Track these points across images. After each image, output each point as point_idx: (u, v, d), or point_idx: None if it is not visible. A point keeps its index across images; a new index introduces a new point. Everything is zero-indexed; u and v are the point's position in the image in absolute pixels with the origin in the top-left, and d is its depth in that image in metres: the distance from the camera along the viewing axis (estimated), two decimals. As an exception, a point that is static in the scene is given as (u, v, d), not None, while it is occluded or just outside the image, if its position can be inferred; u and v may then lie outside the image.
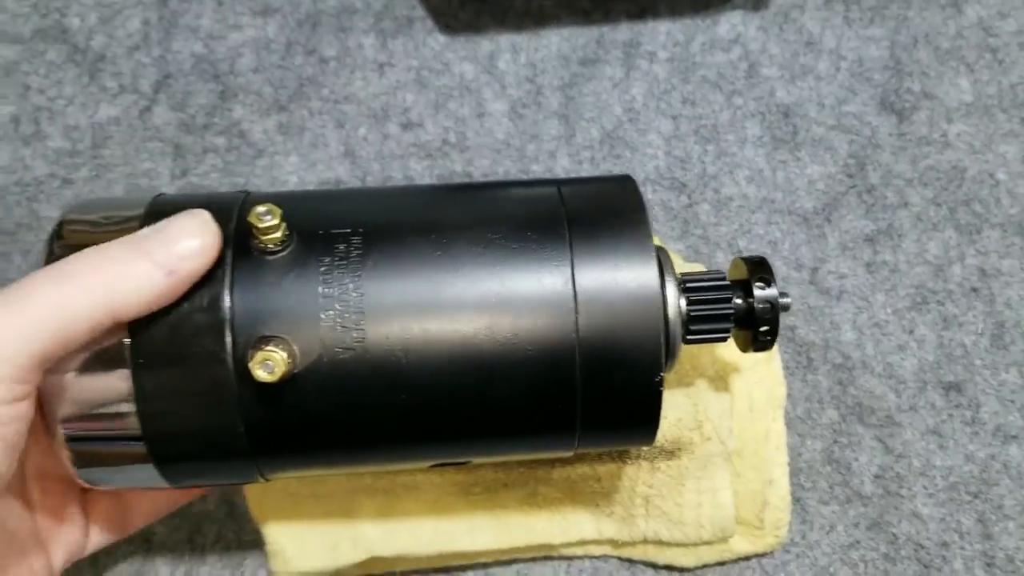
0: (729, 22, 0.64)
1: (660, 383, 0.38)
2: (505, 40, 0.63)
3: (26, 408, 0.36)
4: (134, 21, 0.63)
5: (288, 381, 0.36)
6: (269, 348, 0.36)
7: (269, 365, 0.36)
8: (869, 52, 0.64)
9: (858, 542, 0.54)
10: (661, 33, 0.64)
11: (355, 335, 0.37)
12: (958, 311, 0.58)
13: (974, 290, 0.58)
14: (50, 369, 0.37)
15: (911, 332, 0.58)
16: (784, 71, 0.63)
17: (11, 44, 0.62)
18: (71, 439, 0.39)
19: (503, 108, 0.62)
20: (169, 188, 0.59)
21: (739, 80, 0.63)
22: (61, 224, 0.40)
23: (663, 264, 0.41)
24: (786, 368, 0.56)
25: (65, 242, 0.40)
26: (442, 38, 0.63)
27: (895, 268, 0.59)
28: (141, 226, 0.39)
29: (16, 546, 0.41)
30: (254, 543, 0.54)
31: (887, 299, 0.58)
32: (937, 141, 0.62)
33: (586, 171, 0.61)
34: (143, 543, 0.54)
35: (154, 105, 0.61)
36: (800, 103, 0.62)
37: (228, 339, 0.37)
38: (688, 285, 0.43)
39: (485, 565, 0.53)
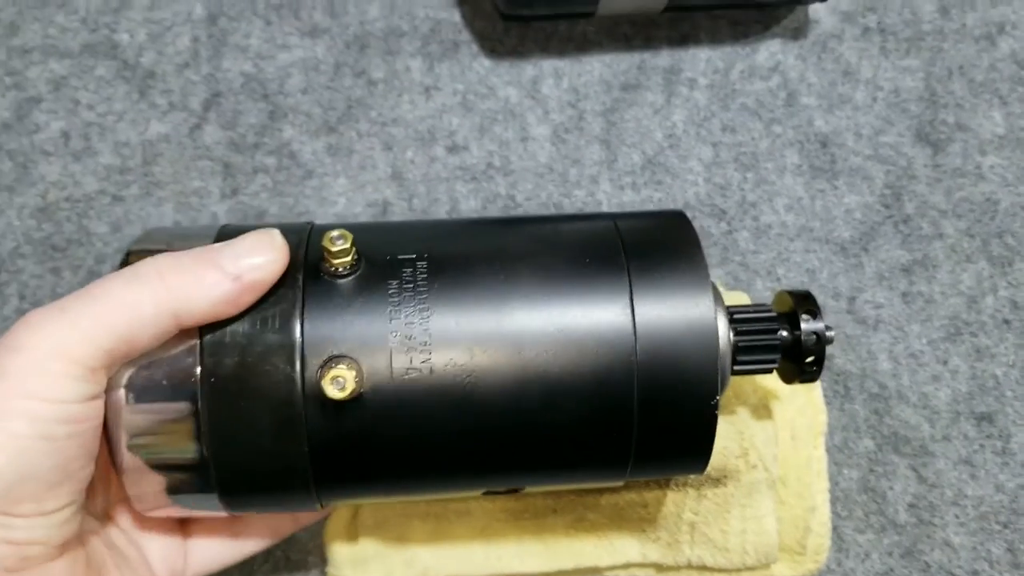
0: (768, 50, 0.65)
1: (715, 411, 0.40)
2: (548, 65, 0.64)
3: (99, 408, 0.37)
4: (183, 39, 0.64)
5: (354, 400, 0.38)
6: (340, 367, 0.37)
7: (340, 382, 0.37)
8: (905, 83, 0.65)
9: (892, 570, 0.56)
10: (701, 60, 0.65)
11: (421, 357, 0.38)
12: (990, 342, 0.59)
13: (1006, 322, 0.60)
14: (116, 387, 0.38)
15: (945, 363, 0.59)
16: (822, 100, 0.64)
17: (61, 59, 0.63)
18: (135, 465, 0.40)
19: (546, 132, 0.63)
20: (219, 207, 0.60)
21: (778, 108, 0.64)
22: (129, 254, 0.42)
23: (714, 298, 0.43)
24: (824, 397, 0.57)
25: None
26: (487, 62, 0.64)
27: (930, 299, 0.60)
28: None
29: (120, 557, 0.42)
30: (301, 564, 0.55)
31: (922, 329, 0.60)
32: (971, 173, 0.63)
33: (628, 196, 0.62)
34: (194, 557, 0.55)
35: (204, 123, 0.62)
36: (838, 132, 0.64)
37: (298, 359, 0.38)
38: (736, 317, 0.44)
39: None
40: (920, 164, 0.63)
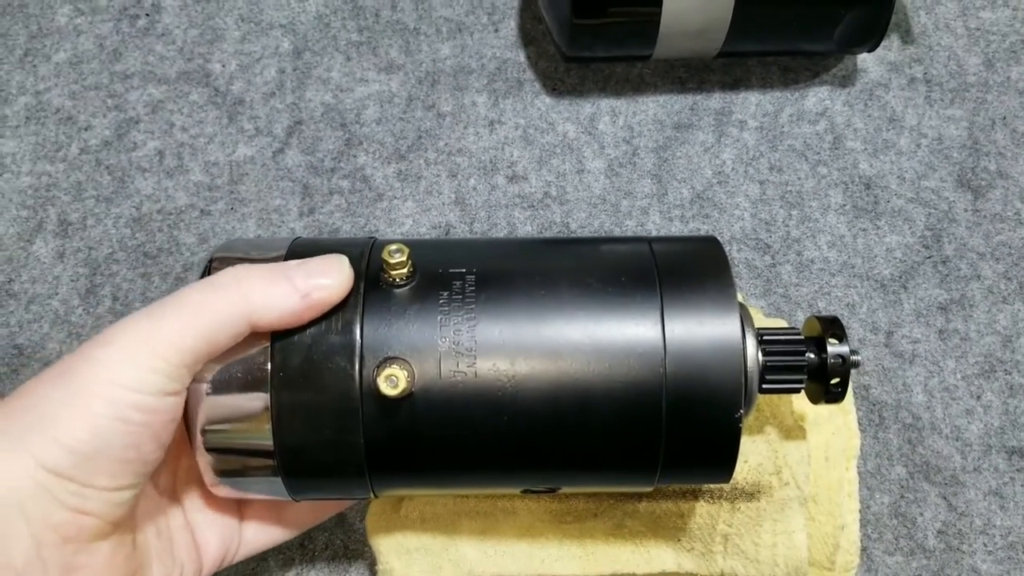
0: (817, 96, 0.69)
1: (739, 422, 0.43)
2: (605, 104, 0.69)
3: (176, 404, 0.41)
4: (271, 70, 0.69)
5: (406, 398, 0.42)
6: (394, 366, 0.41)
7: (393, 380, 0.41)
8: (949, 131, 0.68)
9: (920, 593, 0.58)
10: (752, 104, 0.68)
11: (467, 361, 0.43)
12: (1023, 381, 0.62)
13: (1041, 362, 0.62)
14: (197, 380, 0.42)
15: (978, 398, 0.61)
16: (867, 145, 0.67)
17: (158, 84, 0.69)
18: (210, 448, 0.44)
19: (601, 166, 0.67)
20: (297, 224, 0.65)
21: (824, 151, 0.67)
22: (211, 261, 0.47)
23: (743, 318, 0.46)
24: (859, 424, 0.60)
25: None
26: (548, 100, 0.69)
27: (966, 336, 0.63)
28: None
29: (166, 543, 0.46)
30: (359, 552, 0.59)
31: (957, 365, 0.62)
32: (1010, 218, 0.65)
33: (676, 228, 0.66)
34: (259, 545, 0.59)
35: (286, 148, 0.67)
36: (882, 175, 0.66)
37: (357, 359, 0.42)
38: (765, 338, 0.47)
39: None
40: (960, 208, 0.66)
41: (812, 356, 0.48)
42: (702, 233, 0.65)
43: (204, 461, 0.45)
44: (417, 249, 0.45)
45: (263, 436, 0.43)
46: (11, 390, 0.60)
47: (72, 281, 0.64)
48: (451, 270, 0.45)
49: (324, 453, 0.44)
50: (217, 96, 0.68)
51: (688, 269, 0.45)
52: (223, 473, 0.45)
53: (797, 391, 0.47)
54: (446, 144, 0.67)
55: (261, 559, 0.59)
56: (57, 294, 0.64)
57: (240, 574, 0.59)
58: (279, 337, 0.43)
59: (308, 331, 0.43)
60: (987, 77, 0.69)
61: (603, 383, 0.43)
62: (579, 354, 0.43)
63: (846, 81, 0.69)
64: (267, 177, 0.66)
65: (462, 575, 0.53)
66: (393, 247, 0.43)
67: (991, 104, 0.68)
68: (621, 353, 0.43)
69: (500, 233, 0.66)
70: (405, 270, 0.44)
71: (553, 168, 0.67)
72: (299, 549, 0.59)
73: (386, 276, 0.44)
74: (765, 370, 0.46)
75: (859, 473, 0.58)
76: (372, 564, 0.57)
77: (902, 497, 0.59)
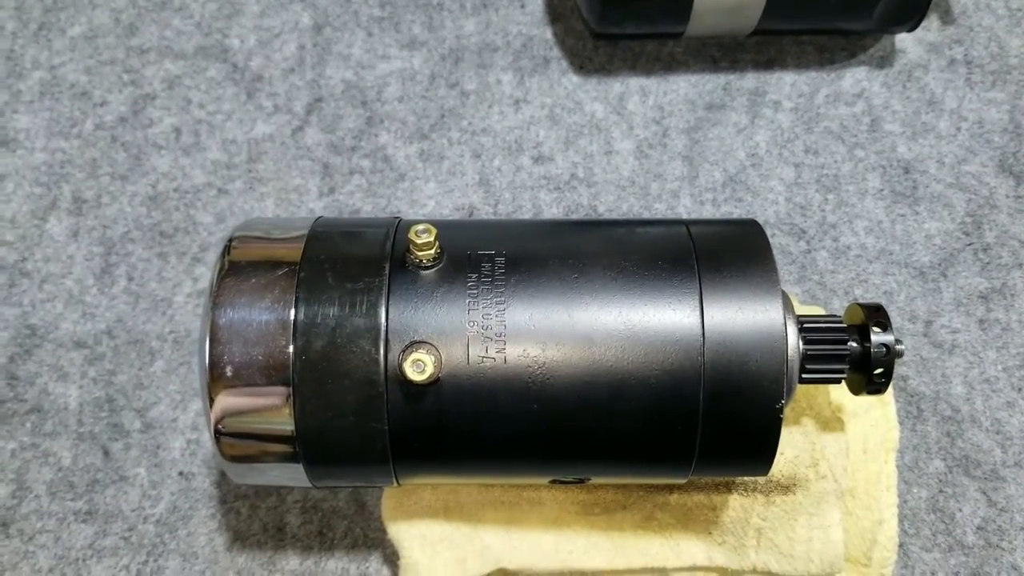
0: (854, 77, 0.66)
1: (780, 413, 0.41)
2: (635, 83, 0.66)
3: None
4: (290, 45, 0.67)
5: (432, 384, 0.40)
6: (420, 351, 0.40)
7: (420, 365, 0.40)
8: (990, 115, 0.65)
9: (958, 590, 0.56)
10: (787, 84, 0.66)
11: (496, 346, 0.41)
12: (1068, 373, 0.59)
13: (1085, 354, 0.60)
14: (215, 368, 0.41)
15: (1020, 390, 0.59)
16: (906, 128, 0.65)
17: (176, 60, 0.67)
18: (226, 433, 0.43)
19: (630, 147, 0.65)
20: (316, 204, 0.63)
21: (862, 133, 0.65)
22: (231, 239, 0.45)
23: (784, 305, 0.44)
24: (897, 417, 0.58)
25: (234, 256, 0.44)
26: (576, 78, 0.67)
27: (1007, 327, 0.60)
28: (306, 247, 0.43)
29: None
30: (380, 541, 0.57)
31: (998, 356, 0.60)
32: (1054, 205, 0.63)
33: (708, 212, 0.64)
34: (276, 532, 0.57)
35: (306, 126, 0.65)
36: (921, 159, 0.64)
37: (383, 342, 0.41)
38: (806, 326, 0.45)
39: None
40: (1002, 194, 0.63)
41: (854, 345, 0.46)
42: (740, 216, 0.63)
43: (224, 445, 0.43)
44: (444, 230, 0.43)
45: (284, 421, 0.42)
46: (24, 371, 0.58)
47: (86, 260, 0.63)
48: (480, 252, 0.43)
49: (347, 439, 0.42)
50: (235, 72, 0.67)
51: (728, 253, 0.43)
52: (241, 459, 0.44)
53: (838, 381, 0.46)
54: (470, 123, 0.65)
55: (279, 547, 0.57)
56: (71, 273, 0.62)
57: (258, 561, 0.57)
58: (302, 317, 0.41)
59: (332, 312, 0.41)
60: (1030, 59, 0.67)
61: (638, 371, 0.41)
62: (613, 340, 0.41)
63: (884, 62, 0.67)
64: (286, 156, 0.65)
65: (487, 567, 0.52)
66: (420, 227, 0.42)
67: (1034, 87, 0.66)
68: (658, 340, 0.41)
69: (525, 216, 0.64)
70: (432, 251, 0.42)
71: (580, 149, 0.65)
72: (318, 537, 0.57)
73: (412, 257, 0.42)
74: (805, 359, 0.44)
75: (897, 467, 0.56)
76: (391, 553, 0.55)
77: (940, 492, 0.57)
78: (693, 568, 0.53)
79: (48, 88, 0.66)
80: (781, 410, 0.41)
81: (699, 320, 0.41)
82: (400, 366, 0.40)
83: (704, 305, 0.41)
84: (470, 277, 0.42)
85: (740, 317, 0.41)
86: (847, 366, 0.45)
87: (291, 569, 0.57)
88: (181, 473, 0.59)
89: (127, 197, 0.64)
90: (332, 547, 0.57)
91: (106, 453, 0.59)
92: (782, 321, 0.41)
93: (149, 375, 0.60)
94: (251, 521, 0.58)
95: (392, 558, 0.56)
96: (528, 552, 0.52)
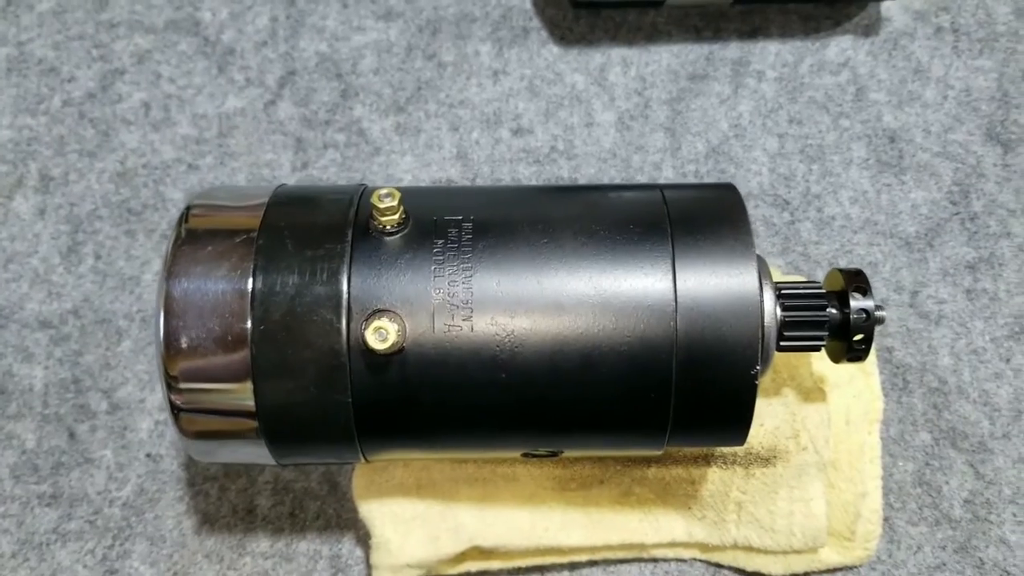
0: (839, 46, 0.65)
1: (755, 380, 0.39)
2: (616, 53, 0.65)
3: None
4: (263, 18, 0.66)
5: (396, 353, 0.39)
6: (383, 319, 0.38)
7: (383, 334, 0.38)
8: (977, 83, 0.64)
9: (944, 564, 0.55)
10: (771, 53, 0.65)
11: (463, 314, 0.39)
12: (1057, 343, 0.58)
13: (1075, 323, 0.58)
14: (170, 342, 0.39)
15: (1008, 361, 0.58)
16: (892, 96, 0.64)
17: (146, 33, 0.66)
18: (185, 409, 0.41)
19: (611, 119, 0.64)
20: (289, 179, 0.62)
21: (846, 103, 0.64)
22: (189, 208, 0.43)
23: (761, 271, 0.42)
24: (882, 388, 0.56)
25: (192, 224, 0.42)
26: (556, 49, 0.65)
27: (995, 296, 0.59)
28: (266, 214, 0.42)
29: None
30: (352, 522, 0.56)
31: (985, 327, 0.59)
32: (1043, 173, 0.62)
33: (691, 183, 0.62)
34: (246, 514, 0.56)
35: (278, 99, 0.64)
36: (907, 128, 0.63)
37: (344, 311, 0.39)
38: (784, 292, 0.44)
39: (575, 565, 0.54)
40: (989, 163, 0.62)
41: (834, 311, 0.45)
42: (717, 181, 0.62)
43: (184, 422, 0.42)
44: (410, 196, 0.42)
45: (244, 396, 0.40)
46: (-12, 351, 0.57)
47: (53, 239, 0.61)
48: (446, 217, 0.42)
49: (309, 413, 0.41)
50: (206, 46, 0.65)
51: (702, 218, 0.42)
52: (200, 435, 0.42)
53: (817, 349, 0.44)
54: (447, 96, 0.64)
55: (249, 529, 0.56)
56: (37, 252, 0.61)
57: (227, 544, 0.56)
58: (260, 285, 0.40)
59: (292, 280, 0.40)
60: (1017, 26, 0.65)
61: (609, 338, 0.40)
62: (583, 307, 0.40)
63: (869, 30, 0.65)
64: (258, 130, 0.63)
65: (461, 544, 0.50)
66: (383, 191, 0.40)
67: (1021, 54, 0.64)
68: (629, 306, 0.40)
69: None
70: (396, 216, 0.41)
71: (560, 121, 0.64)
72: (289, 519, 0.56)
73: (376, 223, 0.41)
74: (783, 326, 0.43)
75: (882, 439, 0.55)
76: (364, 534, 0.54)
77: (927, 465, 0.56)
78: (672, 544, 0.52)
79: (15, 64, 0.65)
80: (756, 377, 0.40)
81: (671, 285, 0.40)
82: (362, 335, 0.38)
83: (677, 270, 0.40)
84: (436, 243, 0.41)
85: (713, 282, 0.40)
86: (826, 333, 0.44)
87: (262, 551, 0.56)
88: (149, 455, 0.57)
89: (95, 174, 0.62)
90: (304, 528, 0.56)
91: (72, 435, 0.58)
92: (756, 286, 0.40)
93: (116, 355, 0.59)
94: (220, 503, 0.56)
95: (365, 539, 0.55)
96: (503, 529, 0.51)
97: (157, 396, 0.58)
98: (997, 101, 0.64)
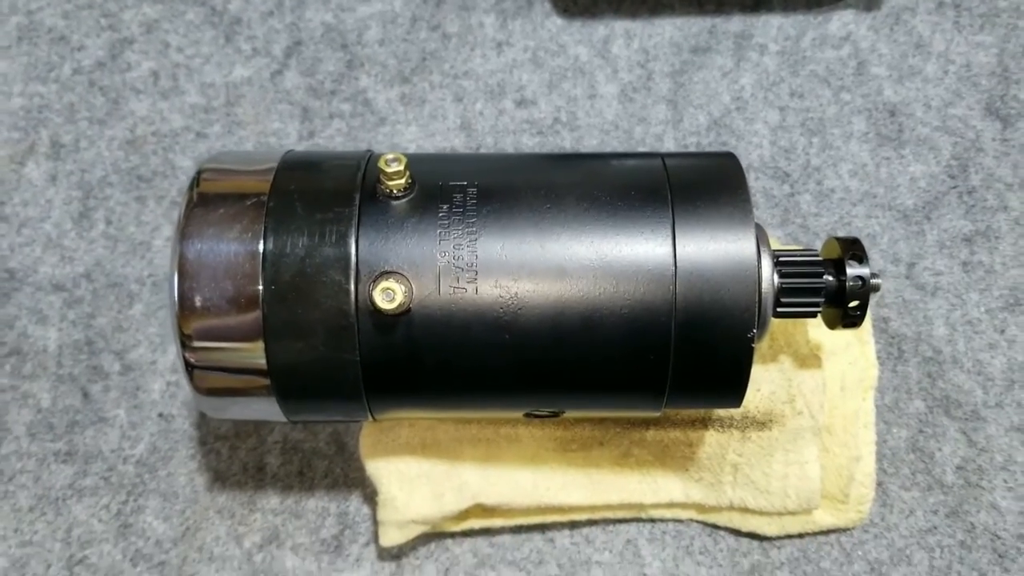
0: (841, 20, 0.65)
1: (751, 343, 0.41)
2: (620, 26, 0.66)
3: None
4: (270, -12, 0.66)
5: (403, 314, 0.40)
6: (390, 280, 0.40)
7: (390, 294, 0.39)
8: (977, 58, 0.65)
9: (935, 528, 0.56)
10: (773, 27, 0.65)
11: (467, 276, 0.41)
12: (1051, 315, 0.59)
13: (1068, 295, 0.59)
14: (184, 301, 0.40)
15: (1002, 332, 0.59)
16: (893, 71, 0.64)
17: (154, 3, 0.66)
18: (198, 366, 0.42)
19: (614, 91, 0.64)
20: (296, 148, 0.63)
21: (848, 77, 0.64)
22: (200, 172, 0.44)
23: (759, 237, 0.43)
24: (878, 358, 0.57)
25: (203, 188, 0.43)
26: (559, 21, 0.66)
27: (991, 269, 0.60)
28: (275, 179, 0.43)
29: None
30: (360, 480, 0.57)
31: (981, 298, 0.60)
32: (1041, 148, 0.62)
33: (692, 155, 0.63)
34: (256, 472, 0.58)
35: (285, 69, 0.65)
36: (907, 103, 0.64)
37: (352, 272, 0.41)
38: (781, 259, 0.45)
39: (575, 524, 0.56)
40: (988, 137, 0.63)
41: (830, 278, 0.46)
42: (717, 150, 0.63)
43: (197, 378, 0.43)
44: (416, 162, 0.43)
45: (255, 354, 0.42)
46: (3, 315, 0.58)
47: (65, 204, 0.62)
48: (452, 183, 0.43)
49: (319, 370, 0.42)
50: (214, 15, 0.66)
51: (702, 185, 0.43)
52: (213, 392, 0.44)
53: (814, 315, 0.45)
54: (451, 67, 0.65)
55: (259, 487, 0.57)
56: (50, 217, 0.62)
57: (238, 501, 0.57)
58: (272, 246, 0.41)
59: (301, 242, 0.41)
60: (1019, 2, 0.66)
61: (610, 301, 0.41)
62: (585, 271, 0.41)
63: (872, 4, 0.66)
64: (265, 99, 0.64)
65: (464, 502, 0.52)
66: (390, 156, 0.41)
67: (1023, 30, 0.65)
68: (629, 270, 0.41)
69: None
70: (403, 180, 0.42)
71: (564, 92, 0.64)
72: (298, 477, 0.58)
73: (383, 188, 0.42)
74: (780, 292, 0.44)
75: (876, 407, 0.56)
76: (371, 492, 0.55)
77: (920, 432, 0.57)
78: (670, 504, 0.54)
79: (26, 33, 0.66)
80: (752, 340, 0.41)
81: (671, 251, 0.41)
82: (370, 295, 0.40)
83: (676, 236, 0.41)
84: (441, 208, 0.42)
85: (712, 247, 0.41)
86: (822, 299, 0.45)
87: (271, 508, 0.57)
88: (161, 415, 0.59)
89: (105, 141, 0.63)
90: (312, 487, 0.58)
91: (85, 395, 0.59)
92: (754, 252, 0.41)
93: (128, 318, 0.60)
94: (231, 461, 0.58)
95: (372, 497, 0.56)
96: (505, 488, 0.52)
97: (168, 358, 0.59)
98: (997, 76, 0.64)
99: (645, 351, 0.41)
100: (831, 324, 0.47)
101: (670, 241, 0.41)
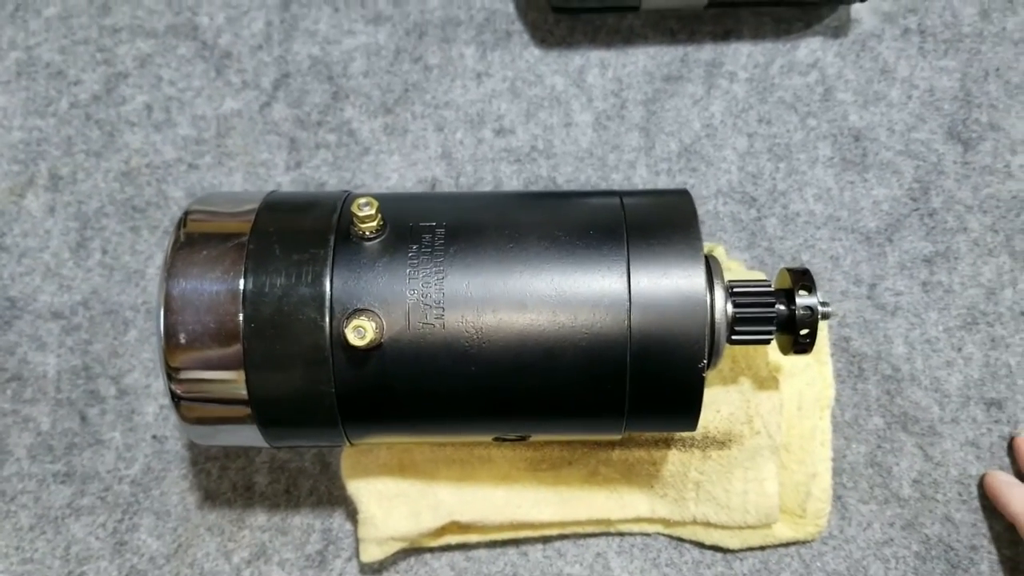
0: (809, 47, 0.68)
1: (703, 372, 0.43)
2: (595, 56, 0.68)
3: None
4: (258, 22, 0.69)
5: (375, 348, 0.43)
6: (361, 318, 0.42)
7: (361, 331, 0.42)
8: (941, 83, 0.67)
9: (892, 540, 0.59)
10: (743, 55, 0.68)
11: (435, 312, 0.43)
12: (1006, 333, 0.61)
13: (1023, 314, 0.62)
14: (170, 336, 0.43)
15: (959, 350, 0.61)
16: (858, 96, 0.67)
17: (147, 38, 0.69)
18: (184, 398, 0.45)
19: (589, 119, 0.67)
20: (283, 178, 0.66)
21: (814, 103, 0.67)
22: (186, 213, 0.47)
23: (712, 270, 0.46)
24: (838, 376, 0.60)
25: (189, 229, 0.46)
26: (537, 51, 0.68)
27: (949, 289, 0.62)
28: (256, 221, 0.46)
29: None
30: (343, 498, 0.60)
31: (939, 317, 0.62)
32: (1000, 171, 0.65)
33: (663, 182, 0.66)
34: (245, 491, 0.61)
35: (273, 101, 0.67)
36: (871, 127, 0.66)
37: (327, 310, 0.43)
38: (735, 290, 0.48)
39: (547, 538, 0.59)
40: (950, 160, 0.65)
41: (782, 307, 0.48)
42: (677, 186, 0.65)
43: (184, 409, 0.46)
44: (389, 203, 0.46)
45: (237, 386, 0.44)
46: (4, 342, 0.61)
47: (63, 235, 0.65)
48: (421, 223, 0.45)
49: (297, 402, 0.45)
50: (205, 49, 0.69)
51: (656, 222, 0.46)
52: (199, 421, 0.46)
53: (767, 342, 0.48)
54: (433, 97, 0.67)
55: (248, 505, 0.60)
56: (48, 247, 0.65)
57: (227, 518, 0.60)
58: (251, 286, 0.44)
59: (279, 282, 0.44)
60: (982, 27, 0.68)
61: (569, 334, 0.43)
62: (545, 306, 0.43)
63: (839, 32, 0.68)
64: (254, 131, 0.67)
65: (440, 520, 0.55)
66: (362, 200, 0.44)
67: (985, 55, 0.67)
68: (587, 305, 0.43)
69: (487, 188, 0.66)
70: (374, 223, 0.44)
71: (540, 121, 0.67)
72: (284, 495, 0.60)
73: (356, 229, 0.45)
74: (734, 321, 0.47)
75: (836, 423, 0.59)
76: (354, 510, 0.58)
77: (879, 447, 0.60)
78: (637, 519, 0.56)
79: (24, 68, 0.68)
80: (703, 370, 0.43)
81: (626, 286, 0.43)
82: (343, 332, 0.42)
83: (631, 272, 0.44)
84: (411, 248, 0.44)
85: (665, 283, 0.43)
86: (774, 327, 0.47)
87: (259, 525, 0.60)
88: (154, 436, 0.62)
89: (101, 173, 0.66)
90: (298, 504, 0.60)
91: (83, 418, 0.62)
92: (704, 286, 0.43)
93: (123, 344, 0.63)
94: (221, 481, 0.61)
95: (354, 514, 0.59)
96: (480, 506, 0.55)
97: (161, 382, 0.62)
98: (960, 100, 0.66)
99: (603, 380, 0.44)
100: (784, 350, 0.50)
101: (625, 277, 0.43)
